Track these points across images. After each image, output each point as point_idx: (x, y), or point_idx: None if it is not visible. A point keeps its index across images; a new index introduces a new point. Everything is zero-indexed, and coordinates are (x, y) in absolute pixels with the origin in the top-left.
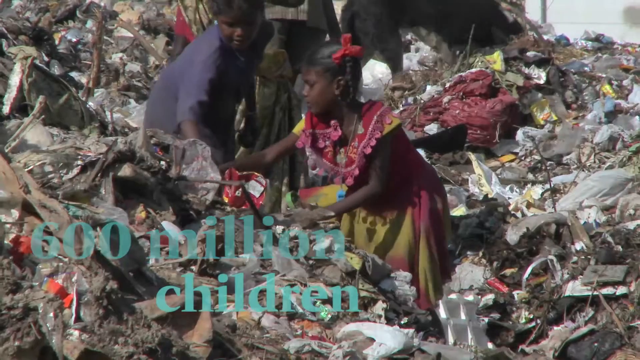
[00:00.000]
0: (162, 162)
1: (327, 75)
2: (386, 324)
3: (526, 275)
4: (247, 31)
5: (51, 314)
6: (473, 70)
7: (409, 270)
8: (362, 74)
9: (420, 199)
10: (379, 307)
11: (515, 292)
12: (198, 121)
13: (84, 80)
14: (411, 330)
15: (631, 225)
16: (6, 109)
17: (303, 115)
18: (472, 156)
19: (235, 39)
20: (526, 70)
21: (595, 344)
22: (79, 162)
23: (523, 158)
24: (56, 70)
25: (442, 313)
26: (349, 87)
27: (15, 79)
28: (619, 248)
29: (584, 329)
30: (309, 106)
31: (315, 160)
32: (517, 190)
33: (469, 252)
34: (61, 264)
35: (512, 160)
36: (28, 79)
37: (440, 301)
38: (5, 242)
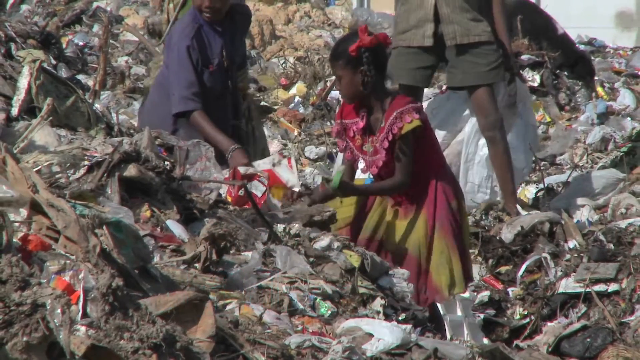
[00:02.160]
0: (167, 163)
1: (349, 68)
2: (384, 320)
3: (521, 272)
4: (215, 2)
5: (59, 310)
6: None
7: (416, 267)
8: (386, 63)
9: (437, 200)
10: (378, 303)
11: (510, 289)
12: (200, 107)
13: (90, 82)
14: (409, 326)
15: (623, 223)
16: (15, 111)
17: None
18: None
19: (204, 10)
20: (520, 73)
21: (588, 340)
22: (86, 163)
23: None
24: (63, 73)
25: (440, 309)
26: (367, 77)
27: (23, 82)
28: (611, 246)
29: (577, 325)
30: (343, 98)
31: (348, 149)
32: None
33: None
34: (68, 261)
35: None
36: (36, 81)
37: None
38: (14, 240)
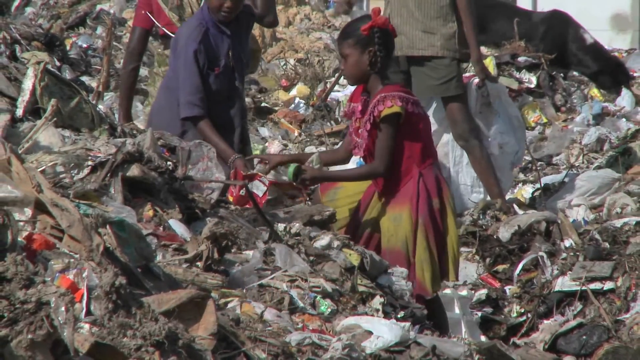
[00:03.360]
0: (169, 163)
1: (357, 47)
2: (383, 317)
3: (517, 271)
4: (235, 3)
5: (63, 308)
6: (466, 74)
7: (406, 262)
8: (394, 49)
9: (419, 195)
10: (377, 301)
11: (507, 287)
12: (204, 113)
13: (94, 84)
14: (407, 324)
15: (618, 223)
16: (20, 112)
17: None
18: None
19: (224, 10)
20: (517, 75)
21: (584, 337)
22: (89, 163)
23: None
24: (67, 74)
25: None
26: (377, 57)
27: (28, 83)
28: (606, 245)
29: (573, 323)
30: (346, 79)
31: (350, 132)
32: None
33: (463, 249)
34: (72, 260)
35: None
36: (40, 83)
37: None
38: (19, 239)
